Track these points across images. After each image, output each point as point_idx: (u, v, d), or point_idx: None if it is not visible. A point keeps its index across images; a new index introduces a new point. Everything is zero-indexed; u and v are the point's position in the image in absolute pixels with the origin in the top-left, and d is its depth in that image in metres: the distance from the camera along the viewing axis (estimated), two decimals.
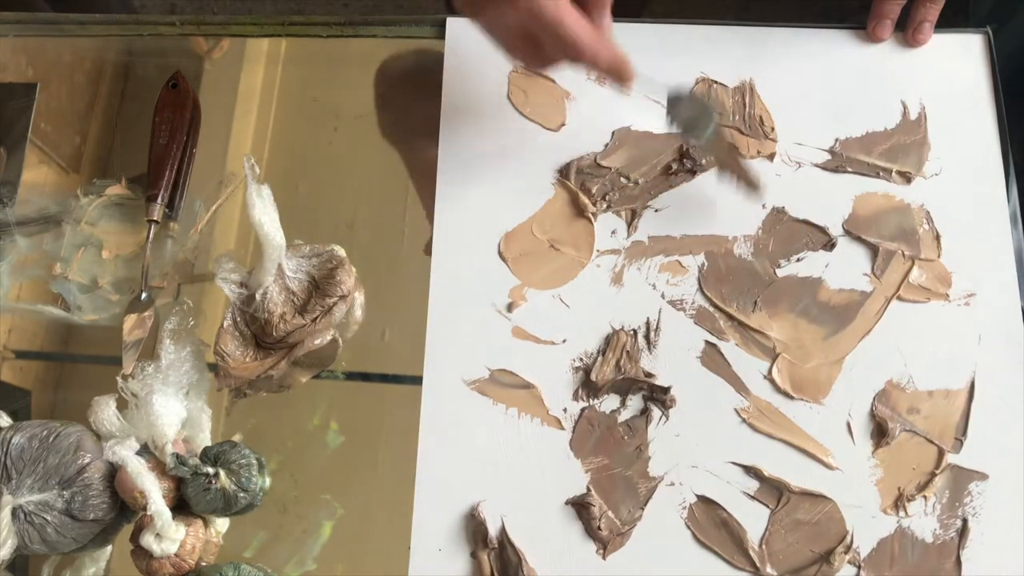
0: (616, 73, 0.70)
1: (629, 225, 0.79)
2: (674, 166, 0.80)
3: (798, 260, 0.77)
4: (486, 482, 0.72)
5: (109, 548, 0.71)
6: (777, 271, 0.77)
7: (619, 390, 0.74)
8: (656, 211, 0.79)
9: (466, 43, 0.86)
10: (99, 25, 0.90)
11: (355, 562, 0.72)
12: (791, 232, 0.78)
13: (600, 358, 0.75)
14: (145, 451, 0.69)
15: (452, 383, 0.75)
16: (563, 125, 0.82)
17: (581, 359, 0.75)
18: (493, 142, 0.82)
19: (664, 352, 0.75)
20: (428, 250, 0.79)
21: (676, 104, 0.76)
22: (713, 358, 0.75)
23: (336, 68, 0.88)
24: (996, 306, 0.76)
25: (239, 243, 0.82)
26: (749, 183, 0.77)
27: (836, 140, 0.81)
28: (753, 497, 0.71)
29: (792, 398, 0.73)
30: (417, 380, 0.75)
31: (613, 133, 0.82)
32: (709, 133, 0.76)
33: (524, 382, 0.75)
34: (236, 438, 0.73)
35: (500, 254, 0.78)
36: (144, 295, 0.77)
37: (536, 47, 0.70)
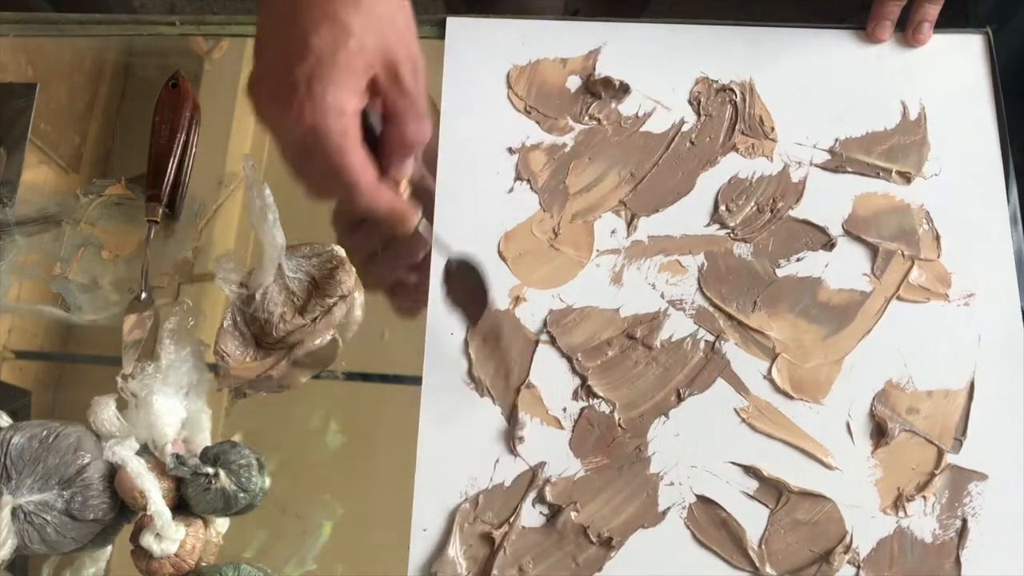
0: (392, 223, 0.64)
1: (628, 225, 0.79)
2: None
3: (798, 260, 0.77)
4: (486, 481, 0.72)
5: (109, 548, 0.71)
6: (777, 271, 0.77)
7: None
8: (657, 210, 0.79)
9: (466, 43, 0.86)
10: (99, 25, 0.90)
11: (355, 562, 0.72)
12: (791, 232, 0.78)
13: None
14: (145, 451, 0.69)
15: (452, 382, 0.75)
16: (565, 124, 0.83)
17: None
18: (493, 140, 0.82)
19: None
20: None
21: (452, 274, 0.72)
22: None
23: None
24: (996, 306, 0.75)
25: (239, 243, 0.82)
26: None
27: (836, 140, 0.81)
28: (752, 497, 0.71)
29: (792, 398, 0.73)
30: (416, 380, 0.75)
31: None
32: (484, 312, 0.72)
33: (524, 382, 0.75)
34: (236, 438, 0.73)
35: (500, 254, 0.78)
36: (144, 295, 0.77)
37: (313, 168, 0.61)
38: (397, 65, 0.60)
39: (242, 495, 0.68)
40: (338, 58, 0.57)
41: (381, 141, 0.62)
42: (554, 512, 0.71)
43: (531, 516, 0.71)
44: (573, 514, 0.70)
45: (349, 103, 0.58)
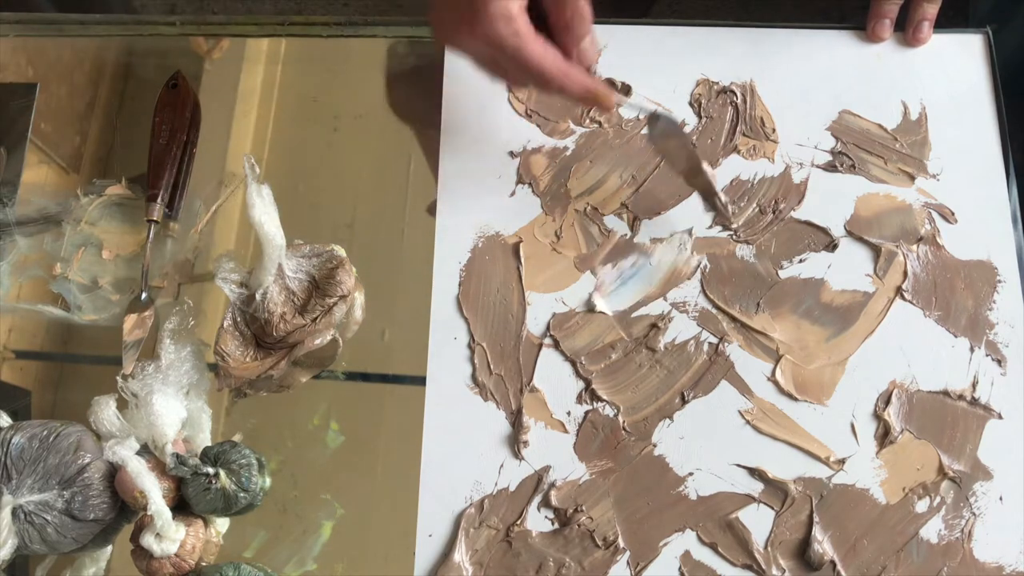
0: (592, 102, 0.70)
1: (631, 227, 0.79)
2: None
3: (800, 261, 0.77)
4: (491, 486, 0.72)
5: (109, 548, 0.71)
6: (779, 272, 0.77)
7: None
8: (658, 214, 0.79)
9: None
10: (99, 25, 0.90)
11: (355, 562, 0.71)
12: (793, 233, 0.78)
13: None
14: (145, 451, 0.69)
15: (456, 385, 0.74)
16: (566, 128, 0.83)
17: None
18: (494, 144, 0.82)
19: None
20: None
21: (656, 122, 0.76)
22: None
23: (336, 68, 0.88)
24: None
25: (239, 243, 0.81)
26: (719, 208, 0.78)
27: (837, 140, 0.81)
28: (758, 499, 0.71)
29: (796, 399, 0.73)
30: (417, 380, 0.75)
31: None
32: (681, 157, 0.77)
33: (528, 386, 0.74)
34: (236, 438, 0.73)
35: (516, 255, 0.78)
36: (144, 295, 0.77)
37: (503, 70, 0.70)
38: None
39: (242, 495, 0.67)
40: None
41: (552, 31, 0.68)
42: (559, 516, 0.71)
43: (536, 520, 0.71)
44: (585, 520, 0.70)
45: (513, 5, 0.65)
